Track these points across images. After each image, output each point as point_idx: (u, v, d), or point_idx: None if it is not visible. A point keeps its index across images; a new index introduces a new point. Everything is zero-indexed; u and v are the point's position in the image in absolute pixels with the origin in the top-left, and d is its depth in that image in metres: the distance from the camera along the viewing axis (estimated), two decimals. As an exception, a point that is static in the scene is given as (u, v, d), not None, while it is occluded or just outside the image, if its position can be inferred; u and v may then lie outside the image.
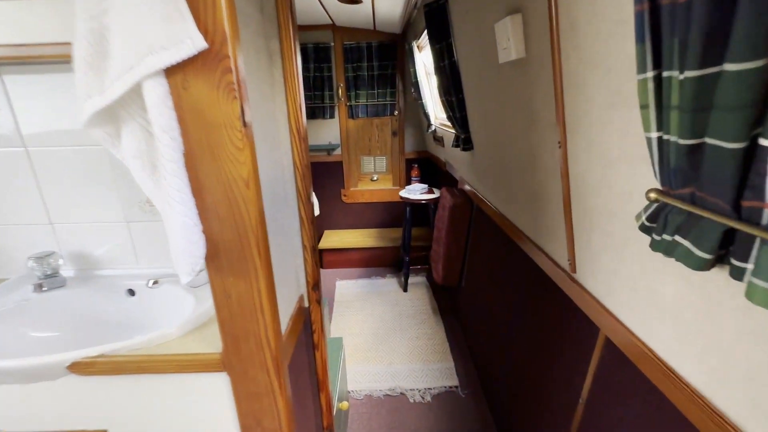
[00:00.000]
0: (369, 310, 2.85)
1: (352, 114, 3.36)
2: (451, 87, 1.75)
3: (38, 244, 1.02)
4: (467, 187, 2.22)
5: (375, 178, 3.59)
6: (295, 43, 0.84)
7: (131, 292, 0.98)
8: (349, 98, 3.31)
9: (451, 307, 2.79)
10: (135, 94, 0.53)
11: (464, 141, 1.85)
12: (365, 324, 2.68)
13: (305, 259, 0.97)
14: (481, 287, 2.07)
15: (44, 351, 0.86)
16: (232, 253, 0.58)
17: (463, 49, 1.60)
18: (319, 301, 1.03)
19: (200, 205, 0.56)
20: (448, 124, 2.41)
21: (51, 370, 0.68)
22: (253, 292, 0.61)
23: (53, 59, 0.77)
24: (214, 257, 0.59)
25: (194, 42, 0.47)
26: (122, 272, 1.03)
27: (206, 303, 0.82)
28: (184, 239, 0.53)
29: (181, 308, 0.92)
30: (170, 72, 0.50)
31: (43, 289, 0.91)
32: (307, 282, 0.99)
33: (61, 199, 0.99)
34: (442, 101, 1.87)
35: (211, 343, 0.72)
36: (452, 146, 2.06)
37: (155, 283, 0.87)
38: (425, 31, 2.36)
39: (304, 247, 0.96)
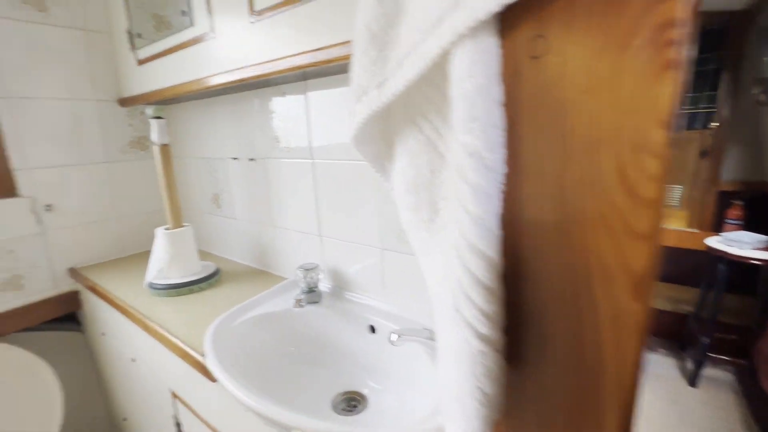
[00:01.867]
0: (629, 394, 2.07)
1: (637, 127, 2.58)
2: None
3: (308, 253, 1.05)
4: None
5: (659, 214, 2.65)
6: None
7: (372, 329, 0.85)
8: (636, 107, 2.56)
9: (798, 447, 1.65)
10: (426, 82, 0.30)
11: None
12: (623, 415, 1.94)
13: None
14: None
15: (288, 366, 0.85)
16: (557, 410, 0.27)
17: None
18: None
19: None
20: None
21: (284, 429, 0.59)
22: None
23: (345, 60, 0.67)
24: (523, 403, 0.29)
25: None
26: (367, 301, 0.93)
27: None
28: (466, 381, 0.24)
29: (419, 373, 0.73)
30: (508, 24, 0.23)
31: (301, 304, 0.91)
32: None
33: (329, 213, 0.97)
34: None
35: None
36: None
37: (399, 337, 0.69)
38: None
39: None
